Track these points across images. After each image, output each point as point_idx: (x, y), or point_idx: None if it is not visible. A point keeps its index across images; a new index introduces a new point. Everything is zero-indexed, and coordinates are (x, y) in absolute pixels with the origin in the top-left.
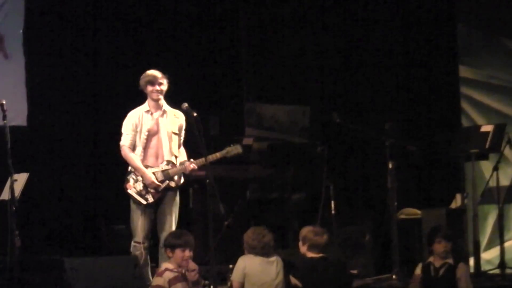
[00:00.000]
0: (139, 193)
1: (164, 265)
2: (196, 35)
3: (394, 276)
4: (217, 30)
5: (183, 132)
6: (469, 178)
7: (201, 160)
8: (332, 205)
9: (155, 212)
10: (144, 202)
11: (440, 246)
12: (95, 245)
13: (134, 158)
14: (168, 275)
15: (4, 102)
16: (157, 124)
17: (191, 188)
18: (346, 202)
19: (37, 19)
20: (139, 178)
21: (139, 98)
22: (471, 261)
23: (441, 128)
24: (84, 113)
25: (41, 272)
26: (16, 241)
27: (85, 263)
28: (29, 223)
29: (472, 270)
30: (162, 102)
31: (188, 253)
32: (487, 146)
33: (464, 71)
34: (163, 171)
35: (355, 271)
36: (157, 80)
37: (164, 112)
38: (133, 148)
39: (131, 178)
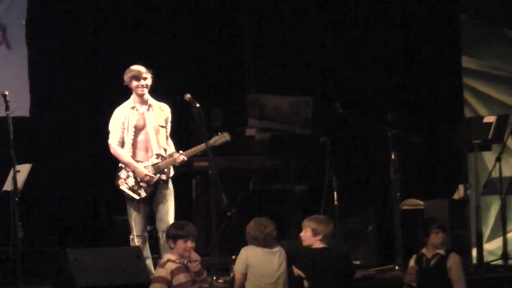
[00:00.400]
0: (131, 188)
1: (166, 256)
2: (199, 27)
3: (396, 267)
4: (219, 22)
5: (169, 124)
6: (471, 169)
7: (190, 151)
8: (335, 196)
9: (150, 205)
10: (137, 197)
11: (437, 237)
12: (97, 236)
13: (124, 154)
14: (171, 266)
15: (6, 93)
16: (144, 119)
17: (194, 180)
18: (349, 193)
19: (40, 10)
20: (130, 173)
21: None
22: (474, 252)
23: (444, 119)
24: (86, 104)
25: (44, 263)
26: (19, 232)
27: (88, 254)
28: (32, 214)
29: (474, 261)
30: (147, 96)
31: (190, 244)
32: (489, 137)
33: (467, 62)
34: (153, 165)
35: (358, 262)
36: (142, 75)
37: (150, 106)
38: (122, 145)
39: (122, 174)
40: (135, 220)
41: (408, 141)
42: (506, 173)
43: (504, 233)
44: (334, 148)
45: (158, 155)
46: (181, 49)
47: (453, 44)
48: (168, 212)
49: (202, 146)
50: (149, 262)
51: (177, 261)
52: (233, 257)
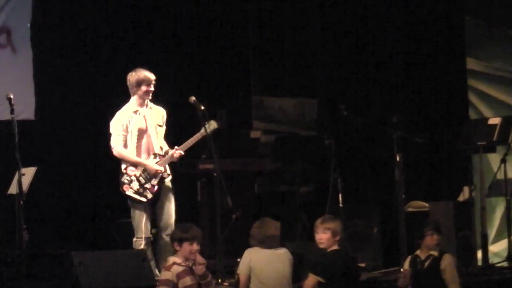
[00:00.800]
0: (137, 192)
1: (172, 259)
2: (204, 29)
3: (402, 269)
4: (224, 24)
5: (164, 125)
6: (476, 171)
7: (185, 145)
8: (340, 198)
9: (154, 207)
10: (144, 200)
11: (432, 239)
12: (102, 239)
13: (130, 154)
14: (176, 269)
15: (11, 96)
16: (145, 121)
17: (199, 182)
18: (354, 195)
19: (45, 13)
20: (133, 177)
21: None
22: (479, 254)
23: (448, 120)
24: (91, 107)
25: (49, 266)
26: (24, 235)
27: (93, 257)
28: (37, 217)
29: (480, 263)
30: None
31: (196, 246)
32: (494, 138)
33: (472, 64)
34: None
35: (363, 264)
36: (151, 81)
37: (149, 107)
38: (125, 147)
39: (125, 179)
40: (141, 222)
41: (413, 143)
42: (511, 174)
43: (509, 235)
44: (339, 150)
45: (155, 155)
46: (185, 52)
47: (457, 46)
48: (172, 215)
49: (195, 138)
50: (153, 264)
51: (183, 264)
52: (238, 259)
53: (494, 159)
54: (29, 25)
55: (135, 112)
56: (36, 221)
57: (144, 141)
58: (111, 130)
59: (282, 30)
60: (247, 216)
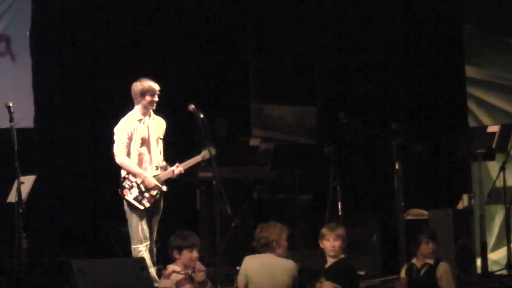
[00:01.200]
0: (136, 198)
1: (171, 267)
2: (202, 37)
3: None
4: (223, 31)
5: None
6: (476, 179)
7: (186, 163)
8: (339, 206)
9: (148, 215)
10: (141, 207)
11: (427, 247)
12: (101, 247)
13: (132, 164)
14: (176, 277)
15: (10, 105)
16: (148, 130)
17: (198, 190)
18: (353, 202)
19: (44, 21)
20: (134, 184)
21: None
22: (478, 262)
23: (447, 128)
24: (90, 115)
25: (48, 274)
26: (23, 243)
27: (93, 265)
28: (36, 225)
29: (479, 271)
30: None
31: (195, 254)
32: (493, 146)
33: (471, 71)
34: (154, 176)
35: (362, 272)
36: (156, 92)
37: (152, 118)
38: (127, 156)
39: (126, 184)
40: (139, 229)
41: (412, 151)
42: (510, 182)
43: (509, 242)
44: (338, 158)
45: (157, 167)
46: (185, 59)
47: (456, 54)
48: (155, 230)
49: (197, 158)
50: (152, 271)
51: (182, 272)
52: (238, 267)
53: (493, 167)
54: (28, 33)
55: (140, 120)
56: (35, 229)
57: (145, 150)
58: (115, 137)
59: (280, 38)
60: (246, 224)
